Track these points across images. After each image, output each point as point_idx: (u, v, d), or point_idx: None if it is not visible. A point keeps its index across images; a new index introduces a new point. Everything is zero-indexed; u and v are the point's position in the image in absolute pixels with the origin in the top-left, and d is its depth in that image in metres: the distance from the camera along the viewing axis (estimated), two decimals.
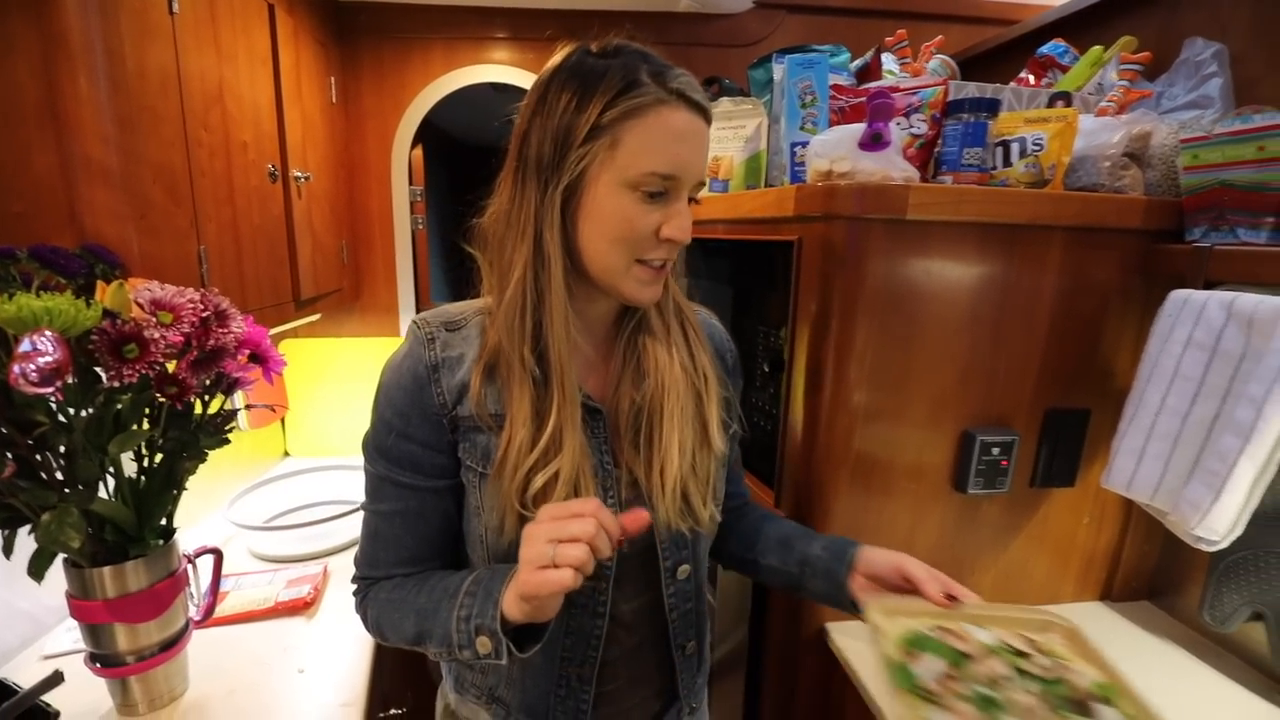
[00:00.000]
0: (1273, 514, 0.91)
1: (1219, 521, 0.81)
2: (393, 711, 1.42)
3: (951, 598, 0.71)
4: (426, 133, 1.88)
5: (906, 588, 0.74)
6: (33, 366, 0.60)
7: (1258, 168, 0.86)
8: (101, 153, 0.87)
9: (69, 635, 1.03)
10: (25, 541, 0.79)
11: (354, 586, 0.75)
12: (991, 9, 1.82)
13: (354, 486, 1.58)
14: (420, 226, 1.95)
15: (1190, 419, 0.86)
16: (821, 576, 0.79)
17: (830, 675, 1.08)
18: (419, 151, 1.97)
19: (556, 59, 0.64)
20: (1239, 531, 0.82)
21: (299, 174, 1.40)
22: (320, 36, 1.57)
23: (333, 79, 1.66)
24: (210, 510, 1.44)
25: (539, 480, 0.64)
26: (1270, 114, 0.84)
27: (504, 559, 0.68)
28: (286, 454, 1.87)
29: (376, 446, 0.70)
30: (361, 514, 0.74)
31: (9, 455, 0.70)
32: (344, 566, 1.29)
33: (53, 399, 0.70)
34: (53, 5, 0.82)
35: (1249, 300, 0.82)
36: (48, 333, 0.63)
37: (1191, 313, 0.88)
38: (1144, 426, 0.90)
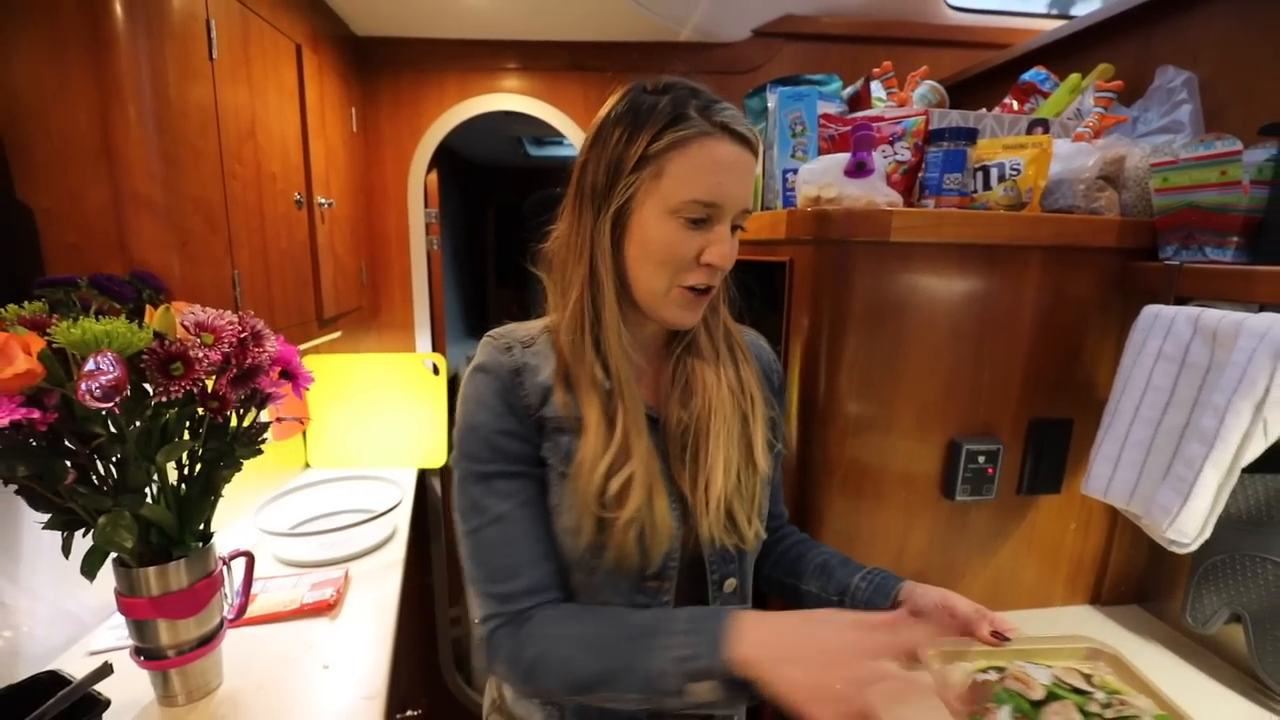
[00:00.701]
0: (1246, 519, 0.96)
1: (1188, 525, 0.85)
2: (409, 713, 1.48)
3: (997, 633, 0.69)
4: (440, 155, 1.97)
5: (951, 624, 0.72)
6: (97, 384, 0.68)
7: (1220, 190, 0.91)
8: (149, 188, 0.96)
9: (111, 633, 1.10)
10: (77, 546, 0.86)
11: (488, 628, 0.70)
12: (982, 34, 1.88)
13: (372, 496, 1.64)
14: (435, 247, 2.04)
15: (1162, 427, 0.91)
16: (863, 607, 0.78)
17: None
18: (434, 175, 2.06)
19: (614, 98, 0.71)
20: (1207, 534, 0.86)
21: (322, 200, 1.49)
22: (342, 71, 1.67)
23: (353, 110, 1.75)
24: (238, 517, 1.52)
25: (615, 484, 0.67)
26: (1230, 140, 0.90)
27: (579, 563, 0.70)
28: (308, 465, 1.95)
29: (480, 450, 0.70)
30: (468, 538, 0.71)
31: (69, 464, 0.77)
32: (364, 572, 1.36)
33: (110, 412, 0.77)
34: (109, 55, 0.91)
35: (1213, 315, 0.87)
36: (108, 353, 0.71)
37: (1162, 327, 0.93)
38: (1119, 435, 0.95)
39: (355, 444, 1.92)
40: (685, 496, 0.73)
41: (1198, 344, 0.88)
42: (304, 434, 1.95)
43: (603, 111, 0.71)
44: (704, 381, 0.75)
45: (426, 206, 1.94)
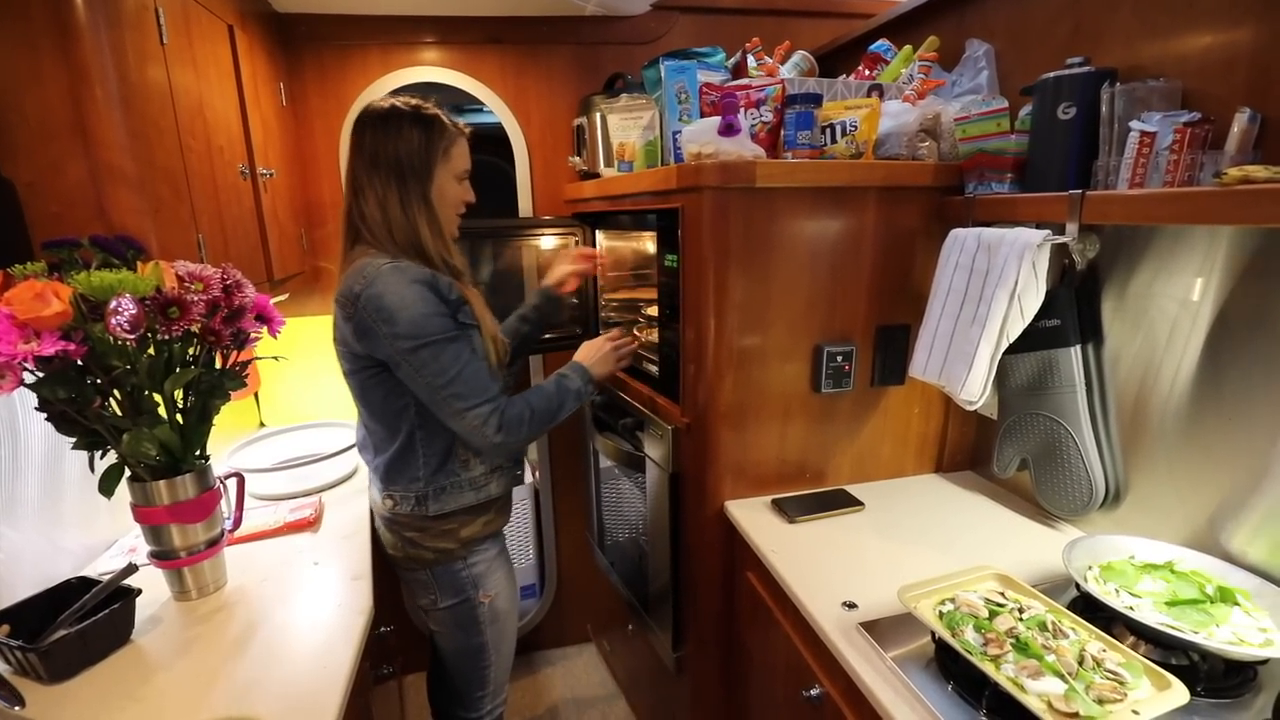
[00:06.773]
0: (1025, 387, 1.28)
1: (974, 387, 1.16)
2: (381, 629, 1.68)
3: (583, 255, 1.61)
4: None
5: (570, 274, 1.58)
6: (125, 319, 0.84)
7: (999, 138, 1.21)
8: (121, 161, 1.08)
9: (113, 561, 1.25)
10: (88, 486, 1.02)
11: (487, 411, 1.13)
12: (856, 5, 2.14)
13: (329, 440, 1.80)
14: None
15: (959, 319, 1.21)
16: (535, 296, 1.59)
17: (730, 539, 1.40)
18: None
19: (402, 114, 1.16)
20: (988, 394, 1.17)
21: (264, 171, 1.61)
22: (268, 47, 1.76)
23: (281, 84, 1.85)
24: None
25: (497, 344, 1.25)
26: (1001, 100, 1.19)
27: (501, 366, 1.27)
28: (262, 424, 2.08)
29: (444, 324, 1.11)
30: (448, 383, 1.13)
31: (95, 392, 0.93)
32: (336, 499, 1.54)
33: (126, 346, 0.93)
34: (76, 43, 1.03)
35: (991, 232, 1.17)
36: (126, 295, 0.87)
37: (959, 244, 1.22)
38: (931, 329, 1.25)
39: (306, 401, 2.06)
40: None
41: (980, 254, 1.18)
42: (256, 396, 2.07)
43: (394, 121, 1.16)
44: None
45: None
